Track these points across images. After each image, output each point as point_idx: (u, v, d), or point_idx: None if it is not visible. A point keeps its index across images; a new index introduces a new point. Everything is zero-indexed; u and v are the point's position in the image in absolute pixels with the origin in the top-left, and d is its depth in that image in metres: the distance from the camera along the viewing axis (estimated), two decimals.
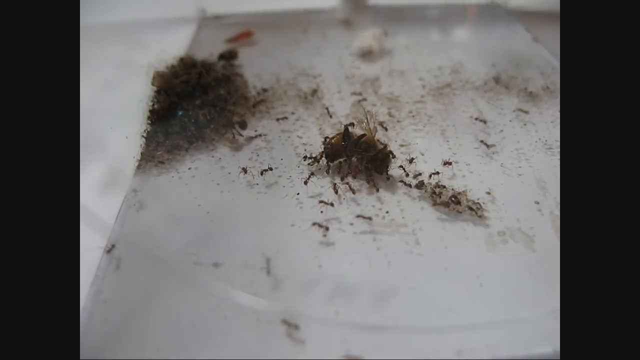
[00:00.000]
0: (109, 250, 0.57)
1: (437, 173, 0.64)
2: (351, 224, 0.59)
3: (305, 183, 0.65)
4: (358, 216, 0.60)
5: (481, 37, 1.06)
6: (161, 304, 0.52)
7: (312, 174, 0.66)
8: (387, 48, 0.99)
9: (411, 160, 0.67)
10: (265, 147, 0.73)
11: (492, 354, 0.46)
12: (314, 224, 0.58)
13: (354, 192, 0.63)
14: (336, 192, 0.63)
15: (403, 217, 0.60)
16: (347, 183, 0.64)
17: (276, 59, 0.96)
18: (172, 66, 0.82)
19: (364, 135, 0.66)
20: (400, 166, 0.66)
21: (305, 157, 0.68)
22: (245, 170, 0.66)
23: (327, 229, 0.58)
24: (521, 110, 0.79)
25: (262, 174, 0.66)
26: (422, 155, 0.70)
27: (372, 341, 0.48)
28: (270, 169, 0.67)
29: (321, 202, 0.61)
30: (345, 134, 0.66)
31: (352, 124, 0.69)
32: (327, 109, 0.80)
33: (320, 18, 1.14)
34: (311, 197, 0.63)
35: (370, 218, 0.59)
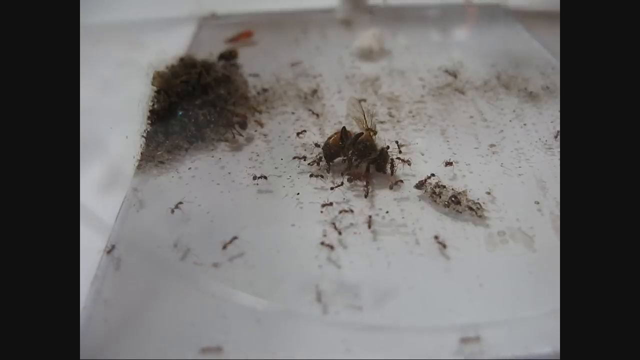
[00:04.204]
0: (109, 250, 0.57)
1: (433, 175, 0.64)
2: (352, 223, 0.59)
3: (311, 176, 0.65)
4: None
5: (481, 37, 1.06)
6: (161, 304, 0.52)
7: (312, 175, 0.66)
8: (387, 48, 0.99)
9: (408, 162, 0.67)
10: (265, 147, 0.73)
11: (492, 354, 0.46)
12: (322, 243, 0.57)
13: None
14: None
15: (403, 217, 0.60)
16: (342, 183, 0.64)
17: (276, 59, 0.97)
18: (172, 66, 0.82)
19: (361, 133, 0.66)
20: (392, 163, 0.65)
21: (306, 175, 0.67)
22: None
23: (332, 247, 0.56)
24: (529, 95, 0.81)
25: (254, 179, 0.66)
26: (422, 155, 0.70)
27: (372, 341, 0.48)
28: (265, 177, 0.65)
29: (320, 195, 0.61)
30: (343, 133, 0.66)
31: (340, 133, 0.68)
32: (310, 110, 0.80)
33: (320, 18, 1.14)
34: (311, 195, 0.63)
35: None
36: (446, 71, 0.89)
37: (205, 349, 0.47)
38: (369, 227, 0.58)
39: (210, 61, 0.88)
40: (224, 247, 0.56)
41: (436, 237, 0.56)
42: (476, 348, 0.47)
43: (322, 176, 0.66)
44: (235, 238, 0.57)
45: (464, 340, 0.47)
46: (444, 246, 0.55)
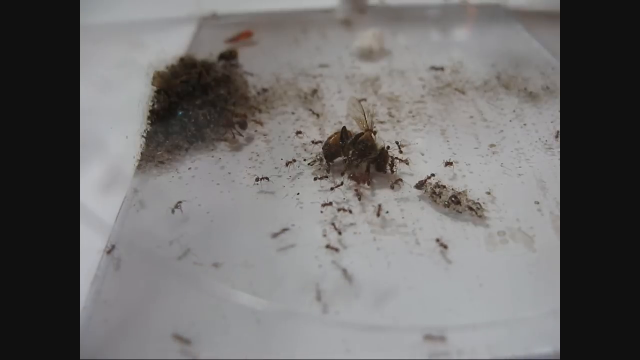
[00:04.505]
0: (109, 250, 0.57)
1: (433, 175, 0.64)
2: (352, 223, 0.59)
3: (315, 179, 0.65)
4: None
5: (481, 37, 1.06)
6: (161, 304, 0.52)
7: (316, 178, 0.66)
8: (387, 48, 0.99)
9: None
10: (265, 147, 0.73)
11: (492, 353, 0.46)
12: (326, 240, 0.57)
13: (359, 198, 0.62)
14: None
15: (403, 217, 0.60)
16: (342, 183, 0.64)
17: (276, 59, 0.97)
18: (172, 66, 0.82)
19: (361, 134, 0.66)
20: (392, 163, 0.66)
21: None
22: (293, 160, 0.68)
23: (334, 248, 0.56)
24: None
25: (257, 180, 0.65)
26: (422, 155, 0.70)
27: (372, 341, 0.48)
28: (267, 178, 0.65)
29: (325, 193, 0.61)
30: (343, 133, 0.66)
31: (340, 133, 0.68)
32: (310, 110, 0.80)
33: (320, 18, 1.14)
34: (311, 195, 0.63)
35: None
36: (433, 67, 0.89)
37: (175, 336, 0.48)
38: (378, 215, 0.59)
39: (210, 61, 0.87)
40: (274, 236, 0.57)
41: (437, 240, 0.56)
42: (476, 348, 0.47)
43: (326, 177, 0.66)
44: (285, 230, 0.57)
45: (464, 340, 0.47)
46: (445, 247, 0.55)
